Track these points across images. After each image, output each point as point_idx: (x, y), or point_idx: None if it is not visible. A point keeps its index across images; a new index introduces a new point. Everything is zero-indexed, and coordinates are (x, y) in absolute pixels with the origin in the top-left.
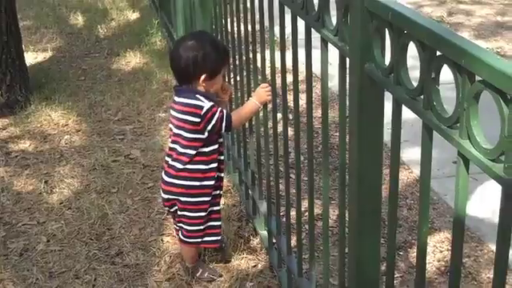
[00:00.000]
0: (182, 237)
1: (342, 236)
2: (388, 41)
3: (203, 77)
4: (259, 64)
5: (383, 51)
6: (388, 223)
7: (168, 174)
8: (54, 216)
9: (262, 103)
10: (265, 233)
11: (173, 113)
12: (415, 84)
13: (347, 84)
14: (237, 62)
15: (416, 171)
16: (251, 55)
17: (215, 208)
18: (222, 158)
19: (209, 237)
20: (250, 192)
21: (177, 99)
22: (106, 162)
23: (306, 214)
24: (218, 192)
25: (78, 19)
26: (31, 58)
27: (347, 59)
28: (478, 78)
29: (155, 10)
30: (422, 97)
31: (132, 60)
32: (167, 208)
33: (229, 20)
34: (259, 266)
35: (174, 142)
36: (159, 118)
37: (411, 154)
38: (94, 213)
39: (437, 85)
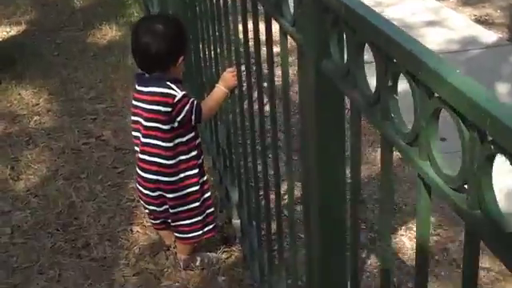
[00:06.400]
0: (181, 235)
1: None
2: None
3: (181, 59)
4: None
5: (342, 48)
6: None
7: (150, 172)
8: (20, 205)
9: (229, 89)
10: (238, 222)
11: (140, 104)
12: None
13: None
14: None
15: None
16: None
17: (206, 195)
18: (199, 141)
19: (208, 226)
20: (222, 178)
21: (144, 89)
22: (76, 144)
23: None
24: (204, 178)
25: None
26: (4, 31)
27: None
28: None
29: None
30: (378, 106)
31: (108, 33)
32: (153, 207)
33: None
34: (232, 257)
35: (147, 135)
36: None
37: None
38: (60, 201)
39: (395, 94)
